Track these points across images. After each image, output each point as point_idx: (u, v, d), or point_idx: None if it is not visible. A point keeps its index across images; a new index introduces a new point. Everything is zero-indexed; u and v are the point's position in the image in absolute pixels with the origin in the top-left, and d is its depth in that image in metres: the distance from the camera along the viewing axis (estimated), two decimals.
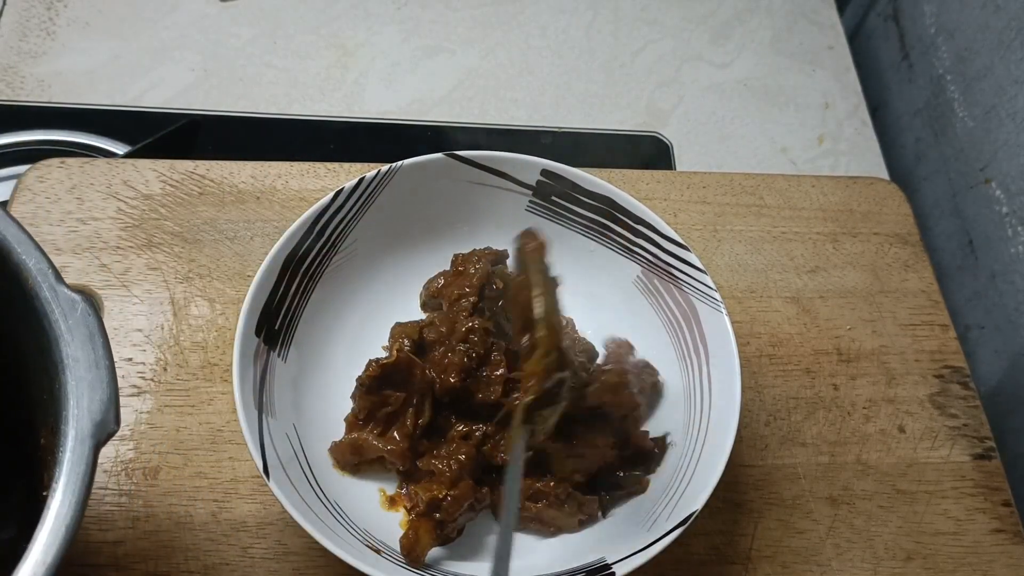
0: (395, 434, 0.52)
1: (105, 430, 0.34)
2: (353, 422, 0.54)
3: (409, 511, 0.52)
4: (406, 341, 0.54)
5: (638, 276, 0.59)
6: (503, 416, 0.52)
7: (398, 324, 0.56)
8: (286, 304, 0.54)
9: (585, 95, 0.82)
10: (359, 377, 0.53)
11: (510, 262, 0.56)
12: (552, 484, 0.52)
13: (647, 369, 0.56)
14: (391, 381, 0.52)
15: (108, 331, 0.57)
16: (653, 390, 0.57)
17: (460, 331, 0.53)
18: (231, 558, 0.52)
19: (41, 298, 0.36)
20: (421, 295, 0.60)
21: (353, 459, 0.53)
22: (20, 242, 0.37)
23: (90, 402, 0.34)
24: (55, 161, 0.65)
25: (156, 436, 0.55)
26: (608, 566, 0.47)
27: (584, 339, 0.58)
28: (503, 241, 0.60)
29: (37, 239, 0.60)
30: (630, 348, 0.57)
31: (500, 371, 0.53)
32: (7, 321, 0.39)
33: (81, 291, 0.37)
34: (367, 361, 0.53)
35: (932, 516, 0.59)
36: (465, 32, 0.84)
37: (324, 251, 0.56)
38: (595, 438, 0.52)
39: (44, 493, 0.35)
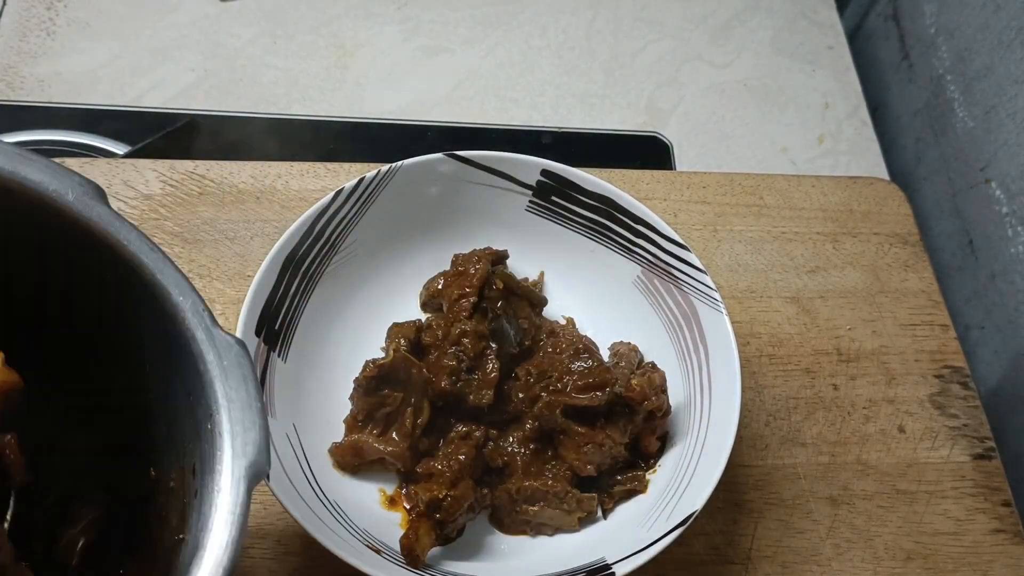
0: (394, 435, 0.52)
1: (258, 471, 0.33)
2: (352, 423, 0.54)
3: (409, 511, 0.52)
4: (402, 341, 0.54)
5: (638, 276, 0.59)
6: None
7: (395, 324, 0.56)
8: (286, 304, 0.54)
9: (585, 95, 0.82)
10: (356, 378, 0.53)
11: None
12: (550, 483, 0.52)
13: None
14: (389, 381, 0.52)
15: None
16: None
17: (453, 335, 0.53)
18: None
19: (198, 340, 0.35)
20: (421, 295, 0.60)
21: (354, 460, 0.53)
22: (177, 283, 0.36)
23: (243, 443, 0.33)
24: (55, 161, 0.65)
25: None
26: (608, 566, 0.47)
27: (586, 337, 0.58)
28: (503, 241, 0.60)
29: None
30: (636, 351, 0.57)
31: (493, 375, 0.53)
32: (156, 362, 0.38)
33: (232, 335, 0.36)
34: (364, 362, 0.53)
35: (932, 516, 0.59)
36: (465, 32, 0.84)
37: (324, 251, 0.56)
38: (614, 432, 0.52)
39: (180, 536, 0.35)
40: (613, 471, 0.54)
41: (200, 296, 0.36)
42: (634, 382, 0.53)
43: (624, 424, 0.53)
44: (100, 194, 0.37)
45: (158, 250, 0.37)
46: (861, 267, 0.69)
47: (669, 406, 0.54)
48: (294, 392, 0.53)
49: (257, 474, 0.33)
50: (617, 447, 0.52)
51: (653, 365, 0.56)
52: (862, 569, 0.56)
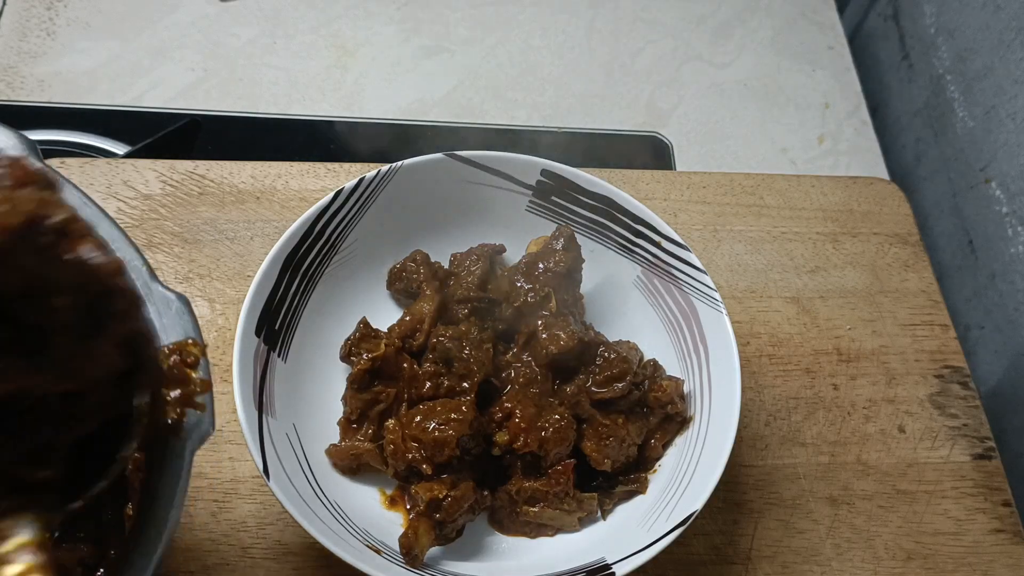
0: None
1: (201, 434, 0.32)
2: (346, 425, 0.54)
3: (409, 511, 0.52)
4: (396, 337, 0.54)
5: (638, 276, 0.59)
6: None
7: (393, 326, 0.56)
8: (286, 304, 0.54)
9: (585, 95, 0.82)
10: (350, 374, 0.53)
11: None
12: (552, 482, 0.52)
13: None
14: (381, 375, 0.53)
15: None
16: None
17: (432, 341, 0.53)
18: (231, 558, 0.52)
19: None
20: None
21: (351, 463, 0.53)
22: (114, 239, 0.33)
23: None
24: (55, 161, 0.65)
25: None
26: (608, 566, 0.47)
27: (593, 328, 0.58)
28: (503, 241, 0.60)
29: None
30: (636, 350, 0.57)
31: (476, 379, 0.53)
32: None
33: (174, 291, 0.33)
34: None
35: (932, 516, 0.59)
36: (465, 32, 0.84)
37: (324, 251, 0.56)
38: (632, 429, 0.53)
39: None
40: (616, 471, 0.54)
41: (139, 250, 0.33)
42: (664, 383, 0.53)
43: (641, 424, 0.53)
44: (31, 147, 0.33)
45: (93, 203, 0.34)
46: (861, 267, 0.69)
47: (688, 418, 0.54)
48: (294, 392, 0.53)
49: (201, 437, 0.31)
50: (632, 446, 0.53)
51: (655, 363, 0.56)
52: (862, 569, 0.56)
